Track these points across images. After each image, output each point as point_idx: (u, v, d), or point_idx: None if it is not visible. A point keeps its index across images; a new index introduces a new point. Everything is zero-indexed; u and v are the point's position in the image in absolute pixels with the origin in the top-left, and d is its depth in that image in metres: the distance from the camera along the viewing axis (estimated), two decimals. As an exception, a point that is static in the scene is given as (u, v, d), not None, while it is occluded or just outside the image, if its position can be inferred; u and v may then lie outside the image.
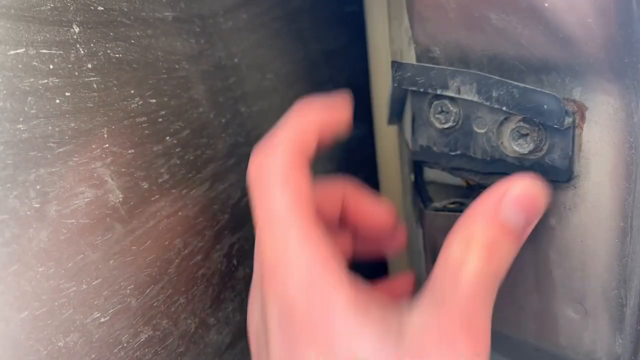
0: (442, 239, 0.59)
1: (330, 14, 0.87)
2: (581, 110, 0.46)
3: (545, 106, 0.45)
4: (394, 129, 0.80)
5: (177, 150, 0.54)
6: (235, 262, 0.61)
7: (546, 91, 0.45)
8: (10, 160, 0.39)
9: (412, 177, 0.68)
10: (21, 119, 0.40)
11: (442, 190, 0.64)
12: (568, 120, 0.45)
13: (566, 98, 0.46)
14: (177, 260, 0.53)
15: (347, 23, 0.91)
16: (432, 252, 0.60)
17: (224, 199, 0.60)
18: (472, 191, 0.60)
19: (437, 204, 0.61)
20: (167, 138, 0.53)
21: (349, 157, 0.91)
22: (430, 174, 0.67)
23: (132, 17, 0.50)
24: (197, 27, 0.58)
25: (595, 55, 0.42)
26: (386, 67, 0.75)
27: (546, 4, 0.41)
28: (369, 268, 0.96)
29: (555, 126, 0.45)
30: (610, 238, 0.47)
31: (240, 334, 0.62)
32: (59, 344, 0.42)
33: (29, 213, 0.40)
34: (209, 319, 0.57)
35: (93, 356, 0.45)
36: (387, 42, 0.75)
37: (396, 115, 0.64)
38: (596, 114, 0.45)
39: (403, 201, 0.78)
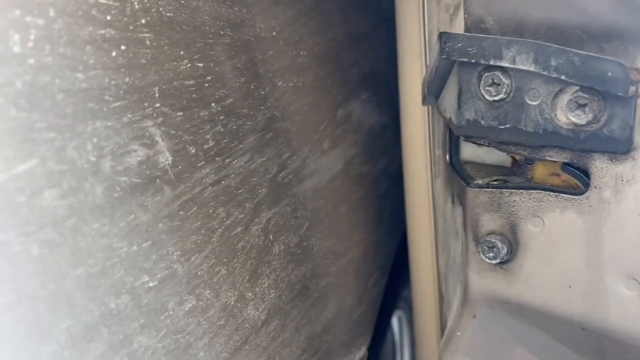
0: (486, 216, 0.58)
1: (357, -2, 0.87)
2: (645, 79, 0.45)
3: (609, 74, 0.44)
4: (421, 113, 0.78)
5: (221, 117, 0.53)
6: (271, 237, 0.60)
7: (611, 58, 0.44)
8: (70, 110, 0.37)
9: (448, 157, 0.67)
10: (80, 68, 0.38)
11: (481, 169, 0.63)
12: (632, 88, 0.44)
13: (629, 66, 0.45)
14: (220, 230, 0.52)
15: (372, 8, 0.90)
16: (473, 230, 0.59)
17: (262, 173, 0.59)
18: (515, 168, 0.59)
19: (479, 181, 0.60)
20: (213, 104, 0.51)
21: (373, 142, 0.90)
22: (467, 154, 0.66)
23: (182, -23, 0.48)
24: (240, -5, 0.57)
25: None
26: (417, 48, 0.74)
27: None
28: (378, 260, 0.95)
29: (620, 94, 0.44)
30: (670, 210, 0.46)
31: (275, 311, 0.61)
32: (111, 305, 0.40)
33: (85, 166, 0.38)
34: (247, 294, 0.56)
35: (142, 321, 0.43)
36: (419, 22, 0.73)
37: (434, 93, 0.63)
38: (661, 83, 0.45)
39: (432, 185, 0.77)
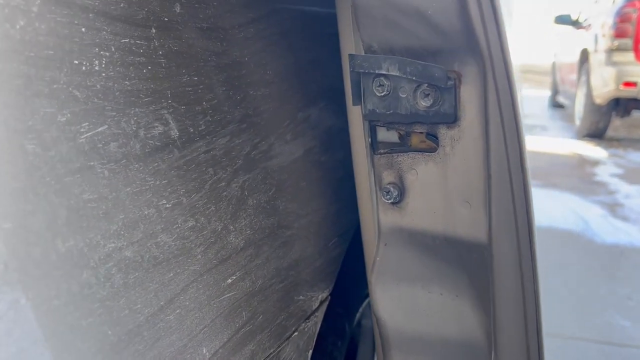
0: (385, 172, 0.88)
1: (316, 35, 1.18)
2: (459, 76, 0.76)
3: (436, 74, 0.75)
4: (358, 113, 1.09)
5: (210, 112, 0.83)
6: (246, 193, 0.90)
7: (436, 65, 0.75)
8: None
9: (369, 140, 0.97)
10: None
11: (385, 145, 0.94)
12: (450, 82, 0.75)
13: (449, 69, 0.76)
14: (210, 181, 0.82)
15: (328, 43, 1.22)
16: (379, 182, 0.89)
17: (239, 150, 0.90)
18: (401, 140, 0.89)
19: (381, 150, 0.90)
20: (204, 103, 0.82)
21: (330, 139, 1.20)
22: (380, 137, 0.97)
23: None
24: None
25: (460, 41, 0.72)
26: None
27: (429, 12, 0.72)
28: (337, 228, 1.24)
29: (442, 86, 0.75)
30: (479, 154, 0.76)
31: (250, 243, 0.90)
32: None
33: (129, 132, 0.69)
34: (229, 226, 0.86)
35: (162, 226, 0.73)
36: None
37: (357, 96, 0.94)
38: (466, 78, 0.75)
39: (368, 163, 1.07)
